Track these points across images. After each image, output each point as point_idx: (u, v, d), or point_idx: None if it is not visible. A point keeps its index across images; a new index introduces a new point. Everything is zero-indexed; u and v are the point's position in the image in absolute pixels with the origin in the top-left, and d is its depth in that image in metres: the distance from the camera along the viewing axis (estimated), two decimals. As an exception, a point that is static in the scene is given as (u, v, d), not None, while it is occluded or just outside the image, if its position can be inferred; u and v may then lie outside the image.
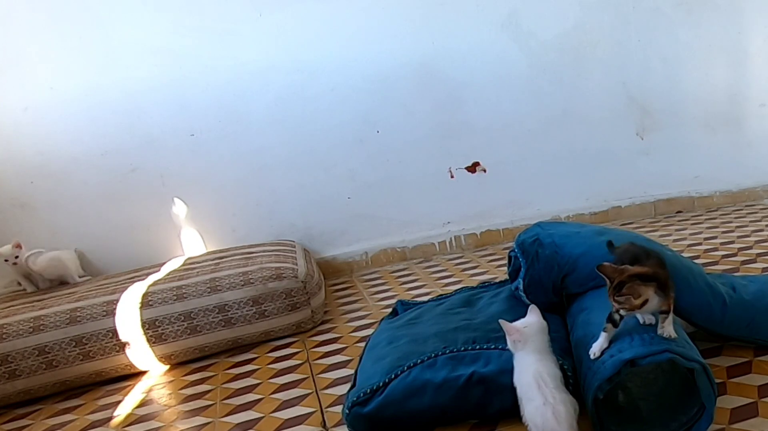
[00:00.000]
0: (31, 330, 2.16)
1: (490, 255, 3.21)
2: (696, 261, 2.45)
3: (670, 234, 3.13)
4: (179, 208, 2.97)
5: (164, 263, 2.85)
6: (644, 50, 3.46)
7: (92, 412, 2.00)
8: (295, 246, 2.96)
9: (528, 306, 1.58)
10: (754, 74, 3.58)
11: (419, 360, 1.57)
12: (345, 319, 2.51)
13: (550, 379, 1.41)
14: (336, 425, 1.63)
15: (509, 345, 1.50)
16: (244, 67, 3.06)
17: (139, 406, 1.98)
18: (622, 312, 1.36)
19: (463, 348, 1.59)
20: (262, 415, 1.76)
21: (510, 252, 1.96)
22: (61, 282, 2.81)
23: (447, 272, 3.02)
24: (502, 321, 1.52)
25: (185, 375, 2.20)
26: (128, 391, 2.13)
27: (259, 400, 1.87)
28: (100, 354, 2.19)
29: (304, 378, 1.97)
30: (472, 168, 3.40)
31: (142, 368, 2.27)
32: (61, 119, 2.93)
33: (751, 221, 3.19)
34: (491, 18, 3.26)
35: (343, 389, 1.79)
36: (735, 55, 3.55)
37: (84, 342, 2.17)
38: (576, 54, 3.39)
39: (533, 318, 1.52)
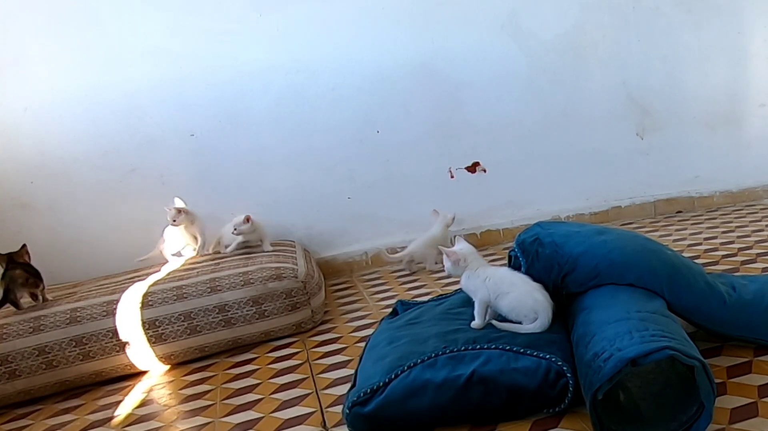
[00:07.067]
0: (31, 330, 2.16)
1: (490, 255, 3.21)
2: (696, 261, 2.45)
3: (670, 235, 3.14)
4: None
5: (164, 263, 2.85)
6: (644, 50, 3.46)
7: (92, 412, 2.00)
8: (295, 246, 2.96)
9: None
10: (754, 74, 3.58)
11: (419, 360, 1.57)
12: (345, 319, 2.51)
13: (518, 277, 1.74)
14: (336, 425, 1.63)
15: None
16: (244, 67, 3.06)
17: (139, 406, 1.98)
18: None
19: (463, 348, 1.59)
20: (262, 415, 1.76)
21: (510, 251, 1.97)
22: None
23: (445, 272, 3.00)
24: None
25: (185, 375, 2.20)
26: (128, 391, 2.13)
27: (259, 400, 1.87)
28: (100, 354, 2.19)
29: (304, 378, 1.97)
30: (472, 168, 3.40)
31: (142, 368, 2.27)
32: (61, 119, 2.93)
33: (751, 221, 3.19)
34: (491, 18, 3.27)
35: (343, 389, 1.79)
36: (735, 55, 3.55)
37: (84, 342, 2.17)
38: (576, 54, 3.40)
39: (462, 243, 1.86)
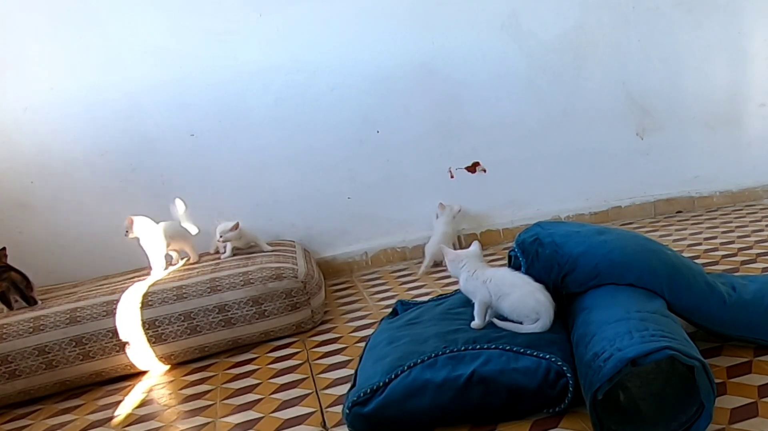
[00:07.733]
0: (31, 330, 2.16)
1: (491, 255, 3.21)
2: (696, 261, 2.45)
3: (670, 235, 3.14)
4: (179, 208, 2.96)
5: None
6: (644, 50, 3.46)
7: (92, 412, 2.00)
8: (295, 246, 2.96)
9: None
10: (754, 74, 3.58)
11: (419, 360, 1.57)
12: (345, 319, 2.51)
13: (519, 277, 1.75)
14: (336, 425, 1.63)
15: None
16: (244, 67, 3.06)
17: (139, 406, 1.98)
18: None
19: (463, 348, 1.59)
20: (262, 415, 1.76)
21: (510, 251, 1.97)
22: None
23: (447, 272, 3.01)
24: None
25: (185, 375, 2.20)
26: (128, 391, 2.13)
27: (259, 400, 1.87)
28: (100, 354, 2.19)
29: (304, 378, 1.97)
30: (472, 168, 3.40)
31: (142, 368, 2.27)
32: (61, 119, 2.93)
33: (751, 221, 3.19)
34: (491, 18, 3.27)
35: (343, 389, 1.79)
36: (735, 55, 3.55)
37: (84, 342, 2.17)
38: (576, 54, 3.40)
39: (472, 246, 1.88)
